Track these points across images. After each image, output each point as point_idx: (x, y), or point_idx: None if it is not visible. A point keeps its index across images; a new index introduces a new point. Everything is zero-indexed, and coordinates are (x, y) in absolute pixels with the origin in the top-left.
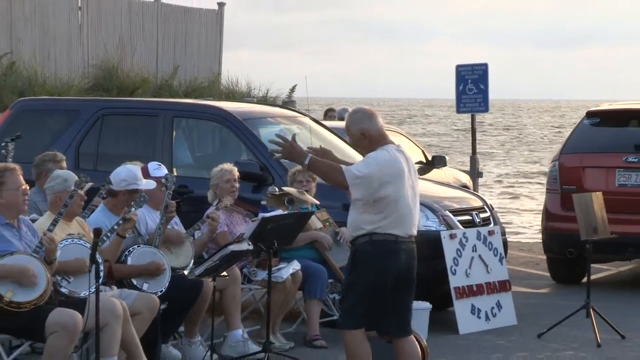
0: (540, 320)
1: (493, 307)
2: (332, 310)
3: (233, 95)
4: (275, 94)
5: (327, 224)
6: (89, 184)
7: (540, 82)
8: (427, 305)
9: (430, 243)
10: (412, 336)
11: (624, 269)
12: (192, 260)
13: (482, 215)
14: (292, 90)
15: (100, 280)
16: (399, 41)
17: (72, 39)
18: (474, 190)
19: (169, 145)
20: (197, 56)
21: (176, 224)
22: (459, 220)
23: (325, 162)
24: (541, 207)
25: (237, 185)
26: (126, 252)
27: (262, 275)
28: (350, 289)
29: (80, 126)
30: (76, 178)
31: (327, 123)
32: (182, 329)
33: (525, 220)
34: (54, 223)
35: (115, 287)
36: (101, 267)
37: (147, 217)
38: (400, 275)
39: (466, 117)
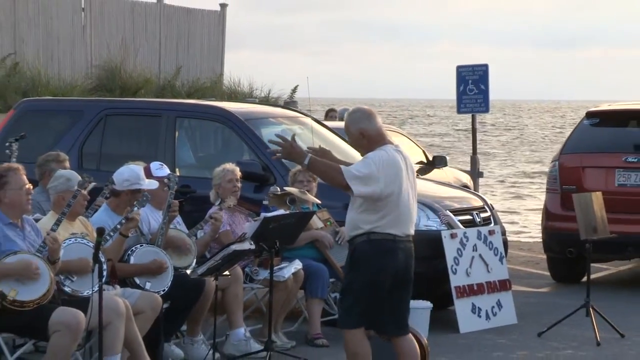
0: (540, 319)
1: (493, 306)
2: (334, 309)
3: (235, 95)
4: (277, 94)
5: (328, 223)
6: (92, 184)
7: (541, 82)
8: (428, 304)
9: (431, 242)
10: (410, 334)
11: (624, 269)
12: (195, 260)
13: (483, 215)
14: (294, 90)
15: (104, 280)
16: (400, 42)
17: (76, 39)
18: (475, 190)
19: (172, 145)
20: (199, 57)
21: (179, 224)
22: (459, 220)
23: (325, 162)
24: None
25: (239, 185)
26: (129, 252)
27: (264, 274)
28: (349, 289)
29: (84, 126)
30: (79, 178)
31: (328, 123)
32: (184, 327)
33: (528, 219)
34: (58, 223)
35: (118, 286)
36: (104, 267)
37: (150, 217)
38: (399, 274)
39: (467, 118)
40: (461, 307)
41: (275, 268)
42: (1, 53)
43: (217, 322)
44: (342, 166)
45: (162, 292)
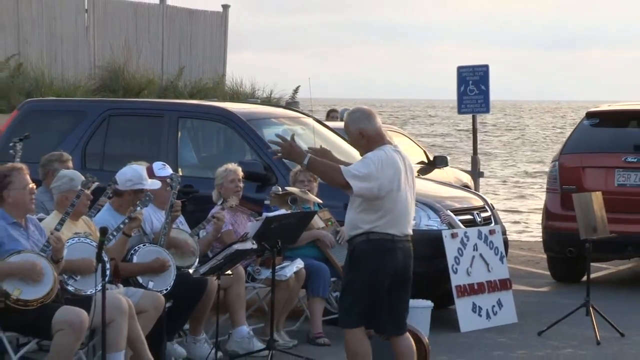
0: (540, 318)
1: (494, 306)
2: (335, 308)
3: (237, 96)
4: (279, 95)
5: (329, 223)
6: (95, 184)
7: (541, 83)
8: (429, 303)
9: (432, 242)
10: (408, 334)
11: (623, 268)
12: (197, 259)
13: (483, 214)
14: (296, 91)
15: (107, 279)
16: (401, 42)
17: (79, 40)
18: (475, 190)
19: (174, 146)
20: (202, 58)
21: (181, 224)
22: (460, 220)
23: (324, 162)
24: None
25: (242, 185)
26: (132, 251)
27: (265, 273)
28: (348, 288)
29: (87, 127)
30: (82, 178)
31: (330, 123)
32: (187, 326)
33: (529, 219)
34: (61, 222)
35: (121, 285)
36: (107, 266)
37: (153, 217)
38: (397, 274)
39: (468, 118)
40: (462, 306)
41: (277, 267)
42: (5, 54)
43: (220, 321)
44: (341, 166)
45: (164, 291)
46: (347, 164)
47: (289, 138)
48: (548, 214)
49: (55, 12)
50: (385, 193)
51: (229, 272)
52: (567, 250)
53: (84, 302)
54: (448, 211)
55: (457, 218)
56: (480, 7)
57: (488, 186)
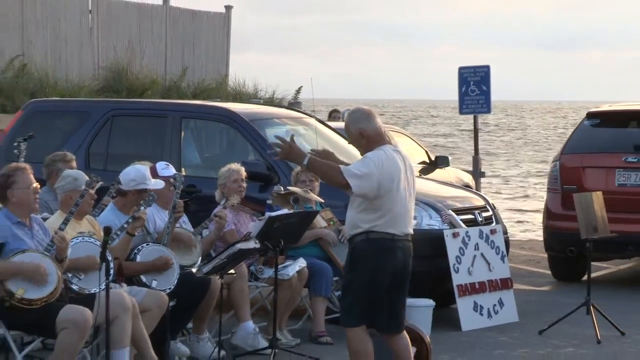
0: (541, 317)
1: (495, 305)
2: (337, 307)
3: (240, 96)
4: (281, 95)
5: (332, 222)
6: (99, 183)
7: (542, 83)
8: (431, 302)
9: (433, 241)
10: (405, 333)
11: (624, 267)
12: (200, 258)
13: (485, 214)
14: (298, 91)
15: (110, 278)
16: (402, 43)
17: (83, 41)
18: (476, 189)
19: (178, 146)
20: (205, 58)
21: (184, 223)
22: (461, 219)
23: (324, 162)
24: None
25: (245, 184)
26: (135, 250)
27: (268, 272)
28: (349, 288)
29: (91, 127)
30: (86, 177)
31: (332, 124)
32: (190, 325)
33: (532, 218)
34: (65, 222)
35: (125, 285)
36: (111, 265)
37: (156, 216)
38: (397, 273)
39: (470, 118)
40: (463, 306)
41: (279, 266)
42: (9, 54)
43: (223, 320)
44: (341, 166)
45: (168, 290)
46: (348, 165)
47: (288, 139)
48: (549, 214)
49: (59, 14)
50: (385, 192)
51: (232, 271)
52: (567, 250)
53: (88, 300)
54: (449, 211)
55: (458, 218)
56: (481, 7)
57: (490, 186)
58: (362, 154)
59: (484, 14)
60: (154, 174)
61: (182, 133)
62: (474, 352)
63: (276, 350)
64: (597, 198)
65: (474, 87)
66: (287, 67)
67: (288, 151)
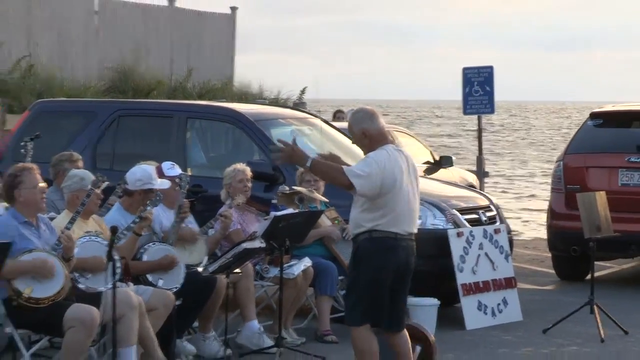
0: (545, 316)
1: (499, 304)
2: (342, 306)
3: (245, 97)
4: (286, 95)
5: (336, 222)
6: (106, 183)
7: (545, 84)
8: (435, 301)
9: (437, 241)
10: (405, 331)
11: (627, 267)
12: (206, 257)
13: (489, 213)
14: (303, 92)
15: (117, 277)
16: (407, 44)
17: (89, 42)
18: (480, 189)
19: (183, 146)
20: (210, 59)
21: (190, 223)
22: (465, 219)
23: (327, 163)
24: None
25: (250, 184)
26: (141, 250)
27: (274, 272)
28: (353, 286)
29: (97, 127)
30: (93, 177)
31: (336, 124)
32: (196, 324)
33: (539, 218)
34: (72, 221)
35: (131, 284)
36: (118, 264)
37: (162, 216)
38: (400, 271)
39: (475, 118)
40: (467, 305)
41: (285, 266)
42: (16, 55)
43: (229, 319)
44: (343, 166)
45: (174, 290)
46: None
47: (291, 142)
48: (553, 213)
49: (65, 15)
50: (387, 191)
51: (237, 270)
52: (571, 249)
53: (95, 299)
54: (454, 210)
55: (462, 217)
56: (486, 9)
57: (496, 185)
58: (365, 153)
59: (489, 16)
60: (160, 173)
61: (188, 133)
62: (479, 350)
63: (282, 349)
64: (601, 198)
65: (478, 87)
66: (292, 67)
67: (290, 153)
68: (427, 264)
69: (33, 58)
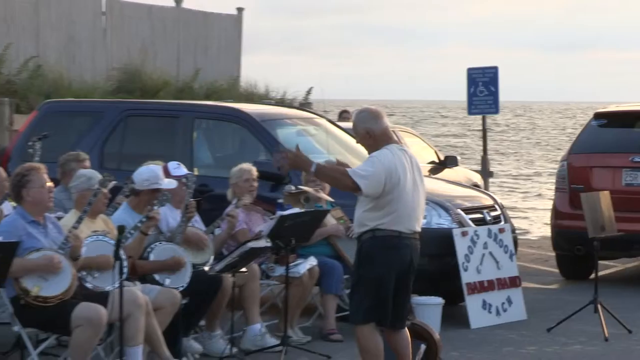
0: (549, 315)
1: (503, 302)
2: (348, 305)
3: (252, 97)
4: (292, 96)
5: (342, 221)
6: (113, 183)
7: (548, 84)
8: (440, 300)
9: (442, 240)
10: (406, 329)
11: (631, 266)
12: (212, 257)
13: (493, 213)
14: (309, 92)
15: (124, 276)
16: (413, 44)
17: (96, 43)
18: (485, 189)
19: (190, 146)
20: (217, 60)
21: (196, 222)
22: (470, 218)
23: (331, 167)
24: None
25: (256, 184)
26: (148, 249)
27: (279, 271)
28: (357, 285)
29: (105, 127)
30: (100, 177)
31: (342, 124)
32: (203, 322)
33: (544, 217)
34: (79, 220)
35: (138, 283)
36: (125, 263)
37: (169, 216)
38: (403, 269)
39: (480, 119)
40: (472, 303)
41: (290, 265)
42: (24, 56)
43: (235, 318)
44: (347, 169)
45: (180, 289)
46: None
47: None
48: (557, 213)
49: (73, 15)
50: (390, 190)
51: (243, 269)
52: (575, 248)
53: (102, 298)
54: (458, 210)
55: (467, 217)
56: (489, 10)
57: (503, 185)
58: (369, 152)
59: (492, 16)
60: (166, 173)
61: (195, 133)
62: (483, 349)
63: (287, 348)
64: (605, 197)
65: (483, 87)
66: (298, 68)
67: (294, 160)
68: (432, 263)
69: (41, 58)
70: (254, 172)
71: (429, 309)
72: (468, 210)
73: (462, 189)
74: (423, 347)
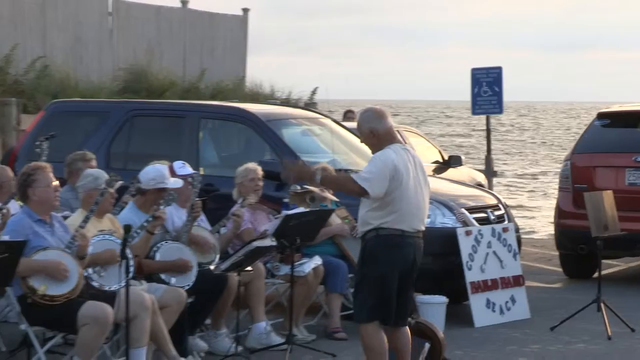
0: (552, 314)
1: (507, 301)
2: (352, 304)
3: (257, 97)
4: (297, 96)
5: (346, 221)
6: (119, 182)
7: (552, 84)
8: (444, 299)
9: (446, 239)
10: (407, 327)
11: (634, 265)
12: (218, 256)
13: (497, 212)
14: (314, 92)
15: (130, 275)
16: (417, 45)
17: (103, 43)
18: (489, 188)
19: (196, 146)
20: (222, 60)
21: (202, 221)
22: (474, 218)
23: (335, 174)
24: None
25: (261, 183)
26: (154, 248)
27: (285, 270)
28: (360, 284)
29: (111, 127)
30: (106, 176)
31: (346, 124)
32: (208, 321)
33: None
34: (86, 220)
35: (144, 282)
36: (131, 262)
37: (175, 215)
38: (406, 267)
39: (484, 118)
40: (476, 302)
41: (295, 264)
42: (31, 56)
43: (240, 316)
44: (351, 174)
45: (186, 287)
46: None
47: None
48: (560, 212)
49: (79, 16)
50: (393, 189)
51: (248, 268)
52: (578, 248)
53: (108, 297)
54: (462, 209)
55: (471, 216)
56: (492, 10)
57: (508, 184)
58: (373, 152)
59: (495, 17)
60: (172, 172)
61: (200, 133)
62: (487, 347)
63: (292, 346)
64: (608, 197)
65: (487, 88)
66: (303, 68)
67: (299, 172)
68: (436, 262)
69: (48, 59)
70: (260, 171)
71: (433, 307)
72: (472, 210)
73: (466, 189)
74: (427, 345)
